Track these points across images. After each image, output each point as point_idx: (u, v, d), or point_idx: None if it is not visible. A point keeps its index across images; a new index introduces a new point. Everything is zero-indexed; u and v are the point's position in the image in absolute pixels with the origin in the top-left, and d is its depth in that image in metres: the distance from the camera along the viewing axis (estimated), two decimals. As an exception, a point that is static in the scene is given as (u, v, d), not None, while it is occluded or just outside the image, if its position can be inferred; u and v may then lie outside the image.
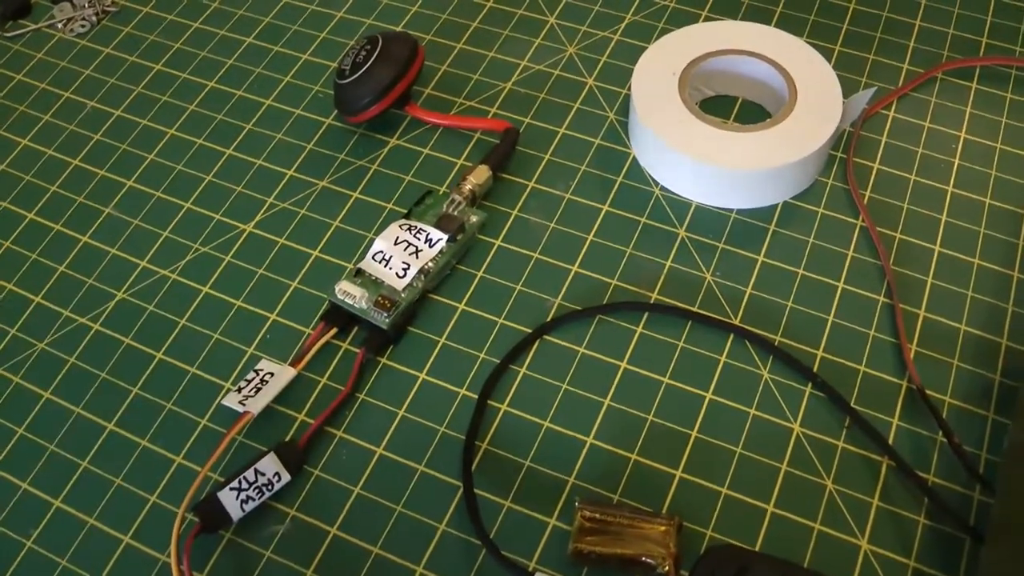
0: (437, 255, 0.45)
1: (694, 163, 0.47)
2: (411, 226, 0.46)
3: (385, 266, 0.45)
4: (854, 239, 0.47)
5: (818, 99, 0.49)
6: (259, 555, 0.40)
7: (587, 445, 0.42)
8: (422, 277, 0.45)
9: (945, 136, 0.51)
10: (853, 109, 0.50)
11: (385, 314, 0.43)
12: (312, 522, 0.40)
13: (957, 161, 0.50)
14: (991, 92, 0.53)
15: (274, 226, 0.49)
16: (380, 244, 0.45)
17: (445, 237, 0.45)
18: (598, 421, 0.42)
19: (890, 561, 0.39)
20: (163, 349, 0.45)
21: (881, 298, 0.46)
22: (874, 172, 0.50)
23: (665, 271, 0.46)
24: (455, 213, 0.47)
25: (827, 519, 0.40)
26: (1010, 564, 0.34)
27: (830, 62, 0.54)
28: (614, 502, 0.40)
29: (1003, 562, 0.35)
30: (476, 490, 0.41)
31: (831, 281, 0.46)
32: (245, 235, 0.49)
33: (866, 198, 0.49)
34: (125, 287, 0.47)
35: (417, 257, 0.45)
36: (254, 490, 0.40)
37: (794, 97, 0.49)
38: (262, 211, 0.49)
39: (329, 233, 0.48)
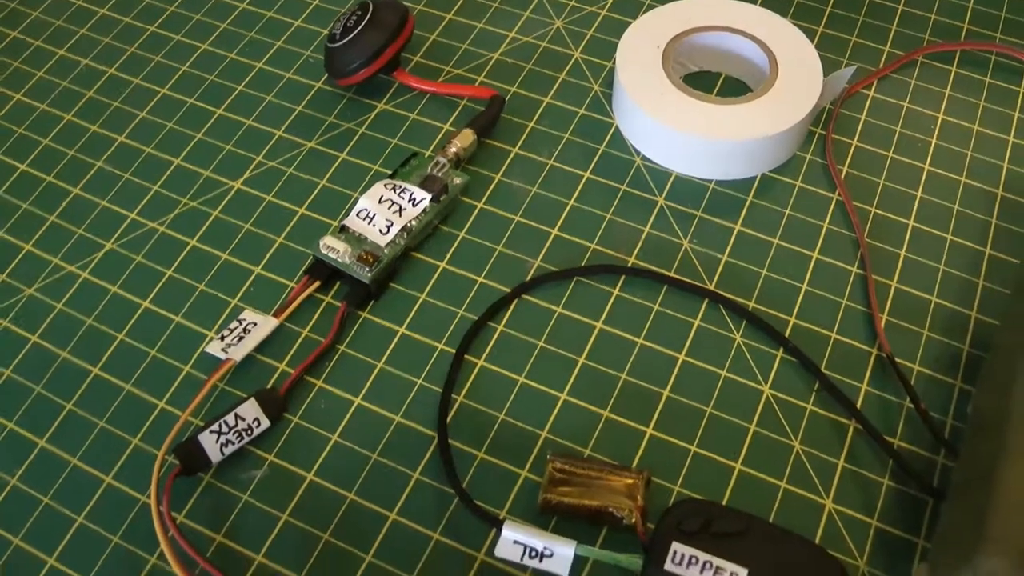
0: (420, 214, 0.46)
1: (674, 133, 0.47)
2: (396, 185, 0.47)
3: (369, 223, 0.45)
4: (830, 212, 0.48)
5: (799, 76, 0.49)
6: (237, 498, 0.40)
7: (560, 401, 0.42)
8: (405, 235, 0.45)
9: (923, 117, 0.52)
10: (834, 87, 0.51)
11: (367, 268, 0.44)
12: (289, 468, 0.41)
13: (934, 141, 0.51)
14: (970, 76, 0.54)
15: (262, 184, 0.49)
16: (365, 202, 0.46)
17: (428, 197, 0.46)
18: (572, 378, 0.43)
19: (854, 520, 0.40)
20: (149, 298, 0.45)
21: (854, 269, 0.46)
22: (852, 149, 0.51)
23: (643, 237, 0.47)
24: (439, 175, 0.47)
25: (793, 478, 0.41)
26: (965, 520, 0.35)
27: (813, 42, 0.55)
28: (585, 456, 0.41)
29: (959, 519, 0.36)
30: (451, 441, 0.41)
31: (806, 251, 0.47)
32: (233, 191, 0.49)
33: (843, 173, 0.49)
34: (114, 238, 0.48)
35: (400, 215, 0.46)
36: (234, 434, 0.40)
37: (775, 73, 0.50)
38: (250, 169, 0.50)
39: (315, 192, 0.49)
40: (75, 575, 0.39)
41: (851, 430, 0.42)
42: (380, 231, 0.45)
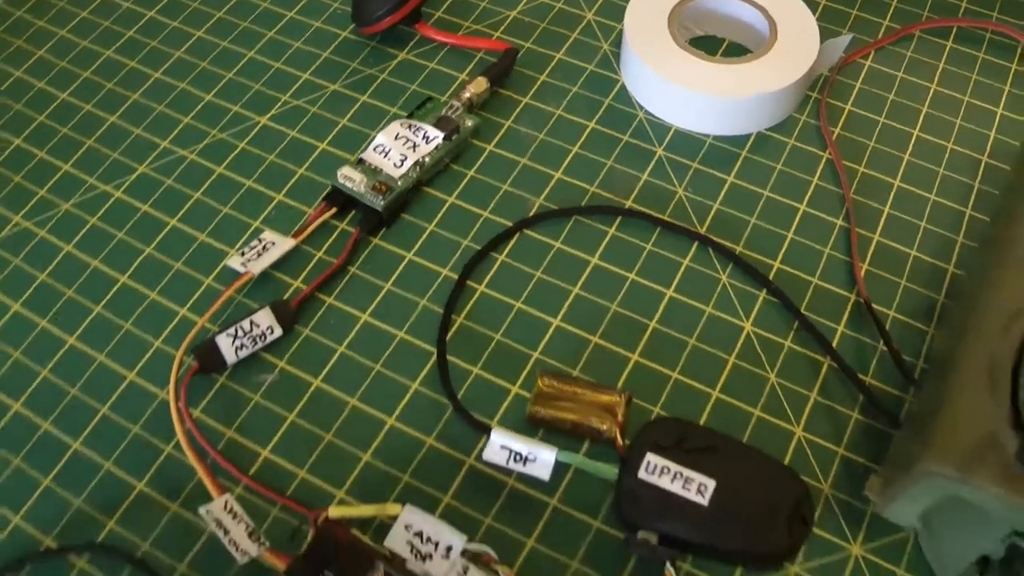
0: (432, 151, 0.49)
1: (676, 88, 0.50)
2: (411, 125, 0.49)
3: (384, 157, 0.48)
4: (820, 169, 0.50)
5: (797, 42, 0.52)
6: (248, 398, 0.43)
7: (553, 326, 0.45)
8: (417, 168, 0.48)
9: (917, 87, 0.54)
10: (830, 53, 0.54)
11: (380, 197, 0.47)
12: (298, 374, 0.44)
13: (925, 109, 0.53)
14: (965, 51, 0.56)
15: (287, 120, 0.52)
16: (381, 138, 0.49)
17: (441, 136, 0.49)
18: (566, 307, 0.45)
19: (821, 448, 0.42)
20: (177, 217, 0.49)
21: (839, 222, 0.49)
22: (845, 113, 0.53)
23: (640, 183, 0.50)
24: (452, 117, 0.50)
25: (767, 407, 0.43)
26: (915, 439, 0.37)
27: (815, 14, 0.57)
28: (573, 376, 0.43)
29: (909, 439, 0.38)
30: (448, 356, 0.44)
31: (794, 203, 0.49)
32: (259, 126, 0.52)
33: (835, 135, 0.52)
34: (147, 162, 0.51)
35: (414, 151, 0.48)
36: (248, 339, 0.43)
37: (775, 38, 0.52)
38: (277, 106, 0.53)
39: (336, 129, 0.52)
40: (97, 457, 0.42)
41: (825, 367, 0.44)
42: (394, 164, 0.48)
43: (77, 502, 0.41)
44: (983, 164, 0.51)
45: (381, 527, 0.40)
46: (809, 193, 0.50)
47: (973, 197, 0.50)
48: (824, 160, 0.51)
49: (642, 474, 0.39)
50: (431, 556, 0.39)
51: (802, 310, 0.46)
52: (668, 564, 0.38)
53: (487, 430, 0.41)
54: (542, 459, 0.40)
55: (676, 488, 0.39)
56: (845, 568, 0.40)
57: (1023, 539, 0.36)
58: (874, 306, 0.46)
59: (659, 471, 0.39)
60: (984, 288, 0.39)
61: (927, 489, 0.35)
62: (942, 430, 0.35)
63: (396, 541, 0.39)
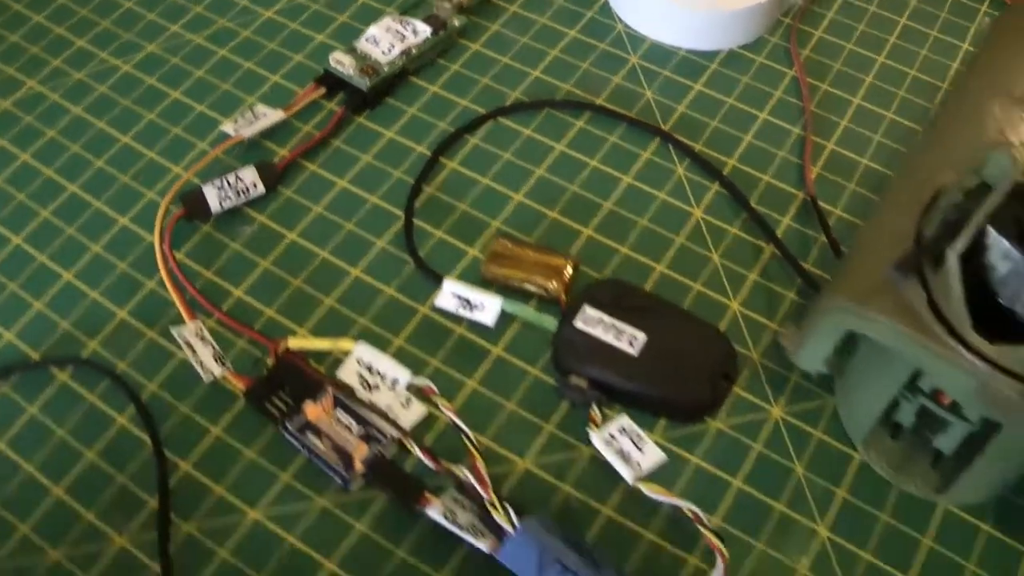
0: (420, 43, 0.52)
1: (651, 2, 0.53)
2: (403, 20, 0.53)
3: (375, 45, 0.52)
4: (784, 84, 0.53)
5: (773, -34, 0.54)
6: (227, 246, 0.46)
7: (515, 201, 0.48)
8: (404, 57, 0.51)
9: (887, 19, 0.56)
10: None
11: (367, 79, 0.50)
12: (276, 228, 0.47)
13: (893, 40, 0.55)
14: (938, -9, 0.58)
15: (289, 14, 0.56)
16: (373, 30, 0.52)
17: (429, 30, 0.52)
18: (529, 185, 0.48)
19: (756, 322, 0.45)
20: (179, 90, 0.52)
21: (797, 130, 0.51)
22: (815, 38, 0.55)
23: (612, 85, 0.52)
24: (441, 15, 0.53)
25: (708, 283, 0.46)
26: (824, 293, 0.39)
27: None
28: (527, 241, 0.46)
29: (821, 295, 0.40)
30: (415, 220, 0.47)
31: (755, 111, 0.52)
32: (262, 18, 0.56)
33: (803, 56, 0.54)
34: (156, 42, 0.54)
35: (402, 42, 0.52)
36: (232, 191, 0.46)
37: (753, -38, 0.55)
38: (282, 2, 0.57)
39: (334, 24, 0.55)
40: (86, 288, 0.45)
41: (768, 253, 0.47)
42: (383, 52, 0.51)
43: (65, 324, 0.44)
44: (942, 91, 0.53)
45: (336, 362, 0.43)
46: (771, 104, 0.52)
47: (930, 118, 0.52)
48: (789, 77, 0.53)
49: (578, 323, 0.42)
50: (378, 387, 0.42)
51: (751, 203, 0.48)
52: (594, 405, 0.41)
53: (440, 279, 0.44)
54: (489, 306, 0.43)
55: (609, 338, 0.42)
56: (764, 428, 0.42)
57: (932, 401, 0.38)
58: (820, 203, 0.48)
59: (594, 322, 0.42)
60: (900, 174, 0.42)
61: (831, 325, 0.37)
62: (846, 273, 0.37)
63: (347, 373, 0.42)
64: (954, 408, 0.38)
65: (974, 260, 0.35)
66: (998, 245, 0.34)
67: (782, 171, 0.49)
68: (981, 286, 0.35)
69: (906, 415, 0.40)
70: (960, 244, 0.34)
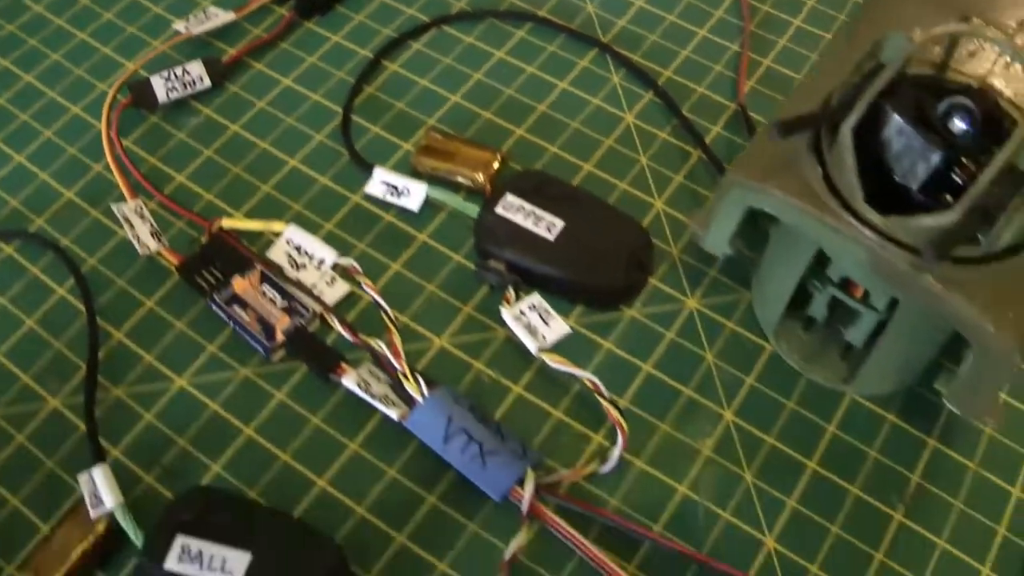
0: (370, -47, 0.53)
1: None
2: (356, -68, 0.54)
3: (326, -46, 0.53)
4: (726, 3, 0.54)
5: None
6: (172, 135, 0.48)
7: (452, 101, 0.49)
8: (353, -35, 0.52)
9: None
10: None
11: (316, -17, 0.51)
12: (220, 121, 0.48)
13: (840, -33, 0.56)
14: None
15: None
16: (327, -60, 0.53)
17: (380, -58, 0.53)
18: (466, 87, 0.49)
19: (678, 220, 0.45)
20: (137, -8, 0.54)
21: (735, 47, 0.52)
22: (762, -38, 0.56)
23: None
24: (395, -71, 0.54)
25: (633, 183, 0.46)
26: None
27: None
28: (458, 136, 0.47)
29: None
30: (353, 116, 0.48)
31: (696, 28, 0.52)
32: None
33: (748, -20, 0.55)
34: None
35: (353, -48, 0.53)
36: (179, 83, 0.48)
37: None
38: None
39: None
40: (36, 169, 0.47)
41: (695, 158, 0.47)
42: (333, -40, 0.52)
43: (14, 202, 0.46)
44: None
45: (268, 244, 0.44)
46: (711, 22, 0.53)
47: (868, 40, 0.52)
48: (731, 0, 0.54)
49: (499, 210, 0.43)
50: (305, 266, 0.43)
51: (683, 111, 0.49)
52: (510, 288, 0.42)
53: (370, 167, 0.45)
54: (415, 192, 0.44)
55: (528, 224, 0.43)
56: (679, 317, 0.43)
57: (843, 291, 0.39)
58: (751, 114, 0.49)
59: (515, 209, 0.43)
60: (809, 73, 0.42)
61: (731, 203, 0.38)
62: (748, 155, 0.38)
63: (277, 252, 0.44)
64: (864, 299, 0.38)
65: (872, 139, 0.35)
66: (894, 122, 0.35)
67: (717, 84, 0.50)
68: (879, 165, 0.35)
69: (818, 308, 0.40)
70: (853, 118, 0.35)
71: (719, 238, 0.40)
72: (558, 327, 0.41)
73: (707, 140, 0.48)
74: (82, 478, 0.37)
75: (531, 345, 0.40)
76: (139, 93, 0.47)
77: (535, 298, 0.41)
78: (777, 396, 0.41)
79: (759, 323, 0.43)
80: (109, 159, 0.46)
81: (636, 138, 0.48)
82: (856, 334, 0.40)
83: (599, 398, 0.39)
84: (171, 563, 0.35)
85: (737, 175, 0.37)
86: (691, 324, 0.43)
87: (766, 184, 0.36)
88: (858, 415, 0.41)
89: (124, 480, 0.37)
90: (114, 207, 0.44)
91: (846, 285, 0.39)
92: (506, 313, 0.41)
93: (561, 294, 0.43)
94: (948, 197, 0.34)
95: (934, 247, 0.32)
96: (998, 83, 0.38)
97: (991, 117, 0.35)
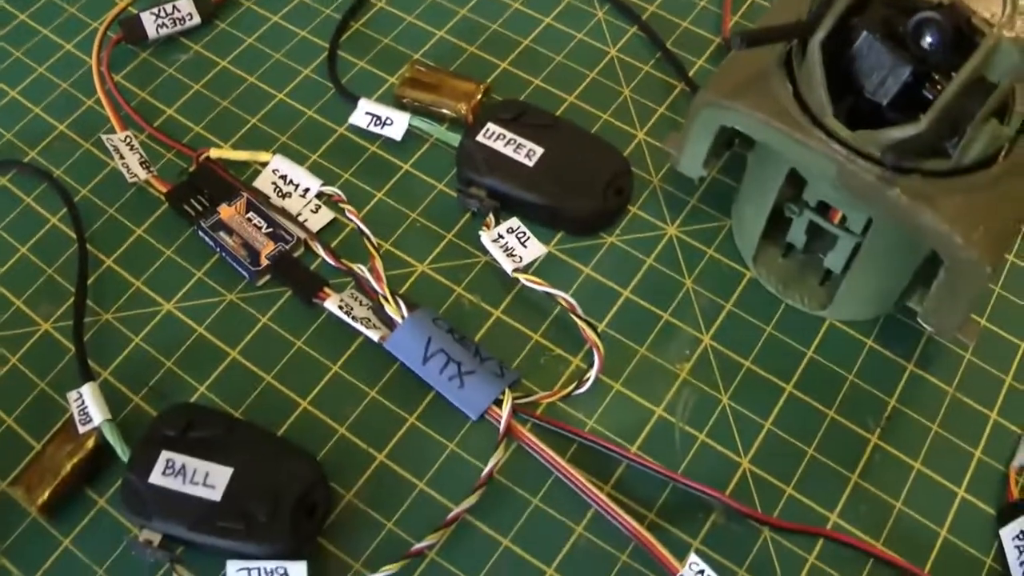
0: None
1: None
2: None
3: None
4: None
5: None
6: (162, 70, 0.48)
7: (437, 37, 0.49)
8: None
9: None
10: None
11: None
12: (209, 56, 0.48)
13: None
14: None
15: None
16: None
17: None
18: (452, 22, 0.49)
19: (659, 149, 0.45)
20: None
21: (720, -17, 0.51)
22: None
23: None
24: None
25: (616, 114, 0.46)
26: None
27: None
28: (441, 68, 0.47)
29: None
30: (339, 52, 0.48)
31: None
32: None
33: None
34: None
35: None
36: (169, 20, 0.48)
37: None
38: None
39: None
40: (28, 102, 0.47)
41: (678, 90, 0.47)
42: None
43: (8, 136, 0.46)
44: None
45: (255, 174, 0.44)
46: (698, -42, 0.52)
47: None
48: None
49: (480, 138, 0.43)
50: (290, 195, 0.43)
51: (667, 45, 0.48)
52: (491, 214, 0.42)
53: (355, 98, 0.45)
54: (398, 121, 0.44)
55: (508, 151, 0.42)
56: (658, 244, 0.43)
57: (821, 216, 0.38)
58: (735, 48, 0.48)
59: (495, 136, 0.43)
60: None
61: (703, 122, 0.37)
62: (719, 75, 0.37)
63: (263, 182, 0.44)
64: (842, 223, 0.38)
65: (843, 57, 0.35)
66: (863, 38, 0.34)
67: (701, 18, 0.49)
68: (850, 83, 0.35)
69: (796, 233, 0.40)
70: (821, 34, 0.34)
71: (693, 160, 0.39)
72: (535, 248, 0.40)
73: (690, 73, 0.47)
74: (71, 396, 0.37)
75: (507, 266, 0.40)
76: (129, 29, 0.47)
77: (513, 221, 0.41)
78: (755, 321, 0.41)
79: (739, 251, 0.42)
80: (100, 93, 0.46)
81: (619, 71, 0.47)
82: (835, 259, 0.40)
83: (575, 318, 0.39)
84: (155, 477, 0.35)
85: (708, 94, 0.37)
86: (671, 251, 0.43)
87: (736, 103, 0.36)
88: (836, 340, 0.41)
89: (112, 400, 0.38)
90: (104, 138, 0.44)
91: (824, 210, 0.38)
92: (485, 237, 0.41)
93: (541, 220, 0.42)
94: (920, 115, 0.34)
95: (894, 150, 0.32)
96: (976, 6, 0.37)
97: (962, 34, 0.34)
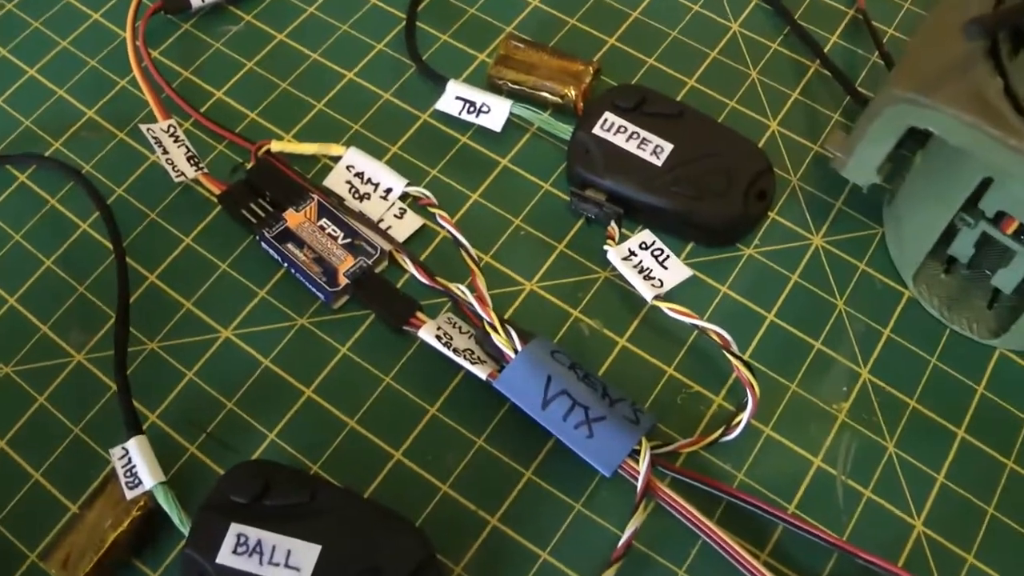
0: None
1: None
2: None
3: None
4: None
5: None
6: (209, 45, 0.38)
7: (532, 6, 0.39)
8: None
9: None
10: None
11: None
12: (263, 27, 0.39)
13: None
14: None
15: None
16: None
17: None
18: (547, -9, 0.40)
19: (796, 143, 0.36)
20: None
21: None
22: None
23: None
24: None
25: (743, 100, 0.37)
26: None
27: None
28: (542, 44, 0.37)
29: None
30: (418, 23, 0.38)
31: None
32: None
33: None
34: None
35: None
36: (214, -16, 0.38)
37: None
38: None
39: None
40: (50, 83, 0.37)
41: (812, 71, 0.38)
42: None
43: (26, 122, 0.36)
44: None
45: (324, 170, 0.35)
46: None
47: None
48: None
49: (597, 130, 0.34)
50: (369, 196, 0.34)
51: (796, 18, 0.39)
52: (612, 223, 0.33)
53: (443, 80, 0.35)
54: (496, 109, 0.35)
55: (631, 147, 0.33)
56: (803, 256, 0.34)
57: (995, 227, 0.30)
58: (873, 23, 0.39)
59: (615, 129, 0.34)
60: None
61: (889, 122, 0.29)
62: (906, 65, 0.28)
63: (335, 181, 0.34)
64: (1018, 235, 0.29)
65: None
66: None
67: (830, -14, 0.40)
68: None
69: (963, 246, 0.31)
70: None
71: (866, 165, 0.31)
72: (677, 269, 0.31)
73: (824, 50, 0.38)
74: (115, 452, 0.29)
75: (646, 293, 0.31)
76: (169, -5, 0.38)
77: (646, 235, 0.32)
78: (917, 350, 0.33)
79: (893, 264, 0.34)
80: (136, 72, 0.36)
81: (744, 49, 0.38)
82: (1006, 277, 0.31)
83: (728, 355, 0.30)
84: (224, 556, 0.27)
85: (898, 91, 0.28)
86: (817, 264, 0.34)
87: (936, 100, 0.27)
88: (1011, 373, 0.32)
89: (162, 449, 0.29)
90: (143, 128, 0.35)
91: (999, 219, 0.30)
92: (612, 253, 0.32)
93: (667, 228, 0.33)
94: None
95: None
96: None
97: None
